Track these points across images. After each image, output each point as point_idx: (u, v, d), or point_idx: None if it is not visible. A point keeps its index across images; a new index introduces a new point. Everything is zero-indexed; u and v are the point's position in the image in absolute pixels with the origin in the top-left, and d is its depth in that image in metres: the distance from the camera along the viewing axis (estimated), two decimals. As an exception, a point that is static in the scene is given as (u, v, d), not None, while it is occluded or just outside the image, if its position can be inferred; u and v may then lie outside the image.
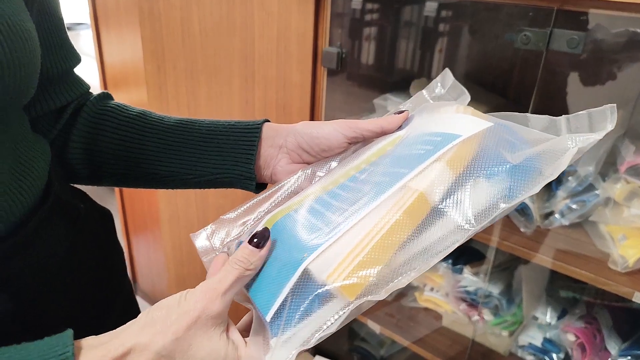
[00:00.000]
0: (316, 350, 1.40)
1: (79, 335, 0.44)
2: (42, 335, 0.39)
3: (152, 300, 1.89)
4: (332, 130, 0.47)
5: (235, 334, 0.36)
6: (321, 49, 1.04)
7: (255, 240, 0.37)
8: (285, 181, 0.48)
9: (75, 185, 0.52)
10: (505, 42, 0.99)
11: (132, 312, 0.57)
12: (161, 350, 0.33)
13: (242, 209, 0.47)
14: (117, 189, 1.82)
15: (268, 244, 0.37)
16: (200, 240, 0.45)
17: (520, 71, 1.08)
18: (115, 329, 0.50)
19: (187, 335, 0.33)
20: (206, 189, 0.55)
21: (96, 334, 0.46)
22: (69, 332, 0.32)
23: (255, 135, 0.50)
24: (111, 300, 0.52)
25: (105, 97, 0.55)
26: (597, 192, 0.90)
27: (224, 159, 0.51)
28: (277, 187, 0.48)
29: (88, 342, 0.33)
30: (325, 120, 1.13)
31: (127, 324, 0.34)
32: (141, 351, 0.33)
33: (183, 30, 1.14)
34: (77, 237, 0.45)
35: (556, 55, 0.78)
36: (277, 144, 0.50)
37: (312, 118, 1.13)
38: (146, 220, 1.60)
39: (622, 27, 0.82)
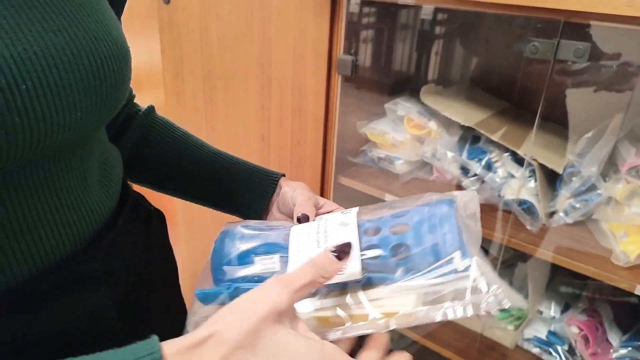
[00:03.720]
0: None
1: (153, 322, 0.49)
2: (134, 322, 0.44)
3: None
4: (294, 193, 0.55)
5: (308, 332, 0.35)
6: (336, 57, 1.09)
7: (336, 251, 0.38)
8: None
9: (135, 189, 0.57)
10: (515, 51, 1.04)
11: (184, 307, 0.62)
12: (234, 342, 0.31)
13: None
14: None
15: (347, 258, 0.38)
16: None
17: (528, 78, 1.13)
18: (175, 320, 0.55)
19: (257, 327, 0.32)
20: None
21: (164, 326, 0.51)
22: (155, 337, 0.32)
23: (272, 188, 0.58)
24: (173, 293, 0.57)
25: (152, 110, 0.61)
26: (599, 191, 0.96)
27: (241, 198, 0.59)
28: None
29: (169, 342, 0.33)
30: (338, 125, 1.18)
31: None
32: (218, 339, 0.32)
33: (202, 38, 1.18)
34: (149, 236, 0.50)
35: (563, 64, 0.84)
36: (275, 197, 0.59)
37: (326, 123, 1.18)
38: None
39: (625, 37, 0.87)
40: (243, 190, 0.59)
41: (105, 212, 0.43)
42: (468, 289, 0.38)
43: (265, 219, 0.60)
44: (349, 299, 0.40)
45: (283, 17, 1.07)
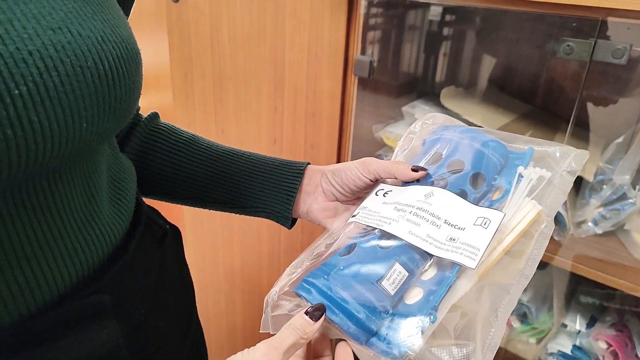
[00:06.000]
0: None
1: (165, 354, 0.44)
2: (140, 355, 0.39)
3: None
4: (355, 172, 0.50)
5: None
6: (352, 58, 1.04)
7: (310, 312, 0.38)
8: (338, 229, 0.50)
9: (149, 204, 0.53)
10: (541, 52, 0.99)
11: (201, 334, 0.57)
12: None
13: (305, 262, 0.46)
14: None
15: (322, 318, 0.38)
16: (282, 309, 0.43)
17: (553, 80, 1.08)
18: (192, 350, 0.50)
19: None
20: None
21: (177, 354, 0.46)
22: None
23: (298, 179, 0.53)
24: (189, 320, 0.52)
25: (155, 116, 0.56)
26: (631, 200, 0.91)
27: (265, 195, 0.54)
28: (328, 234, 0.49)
29: None
30: (354, 128, 1.13)
31: None
32: None
33: (212, 38, 1.14)
34: (163, 257, 0.45)
35: (599, 65, 0.79)
36: (314, 182, 0.53)
37: (341, 126, 1.13)
38: (166, 226, 1.60)
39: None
40: (266, 187, 0.53)
41: (117, 234, 0.38)
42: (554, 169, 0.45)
43: (296, 216, 0.55)
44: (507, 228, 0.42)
45: (298, 15, 1.02)
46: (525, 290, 1.13)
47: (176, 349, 0.47)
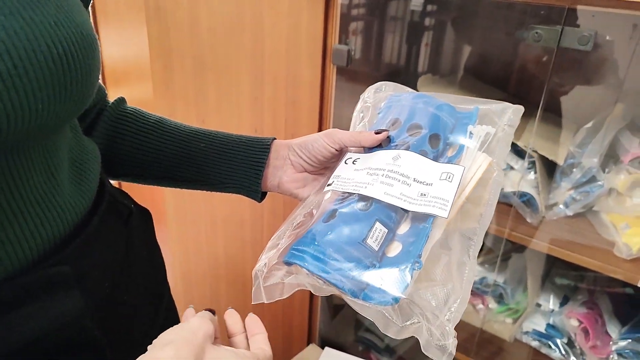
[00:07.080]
0: (324, 341, 1.43)
1: (136, 330, 0.46)
2: (115, 331, 0.40)
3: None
4: (321, 143, 0.53)
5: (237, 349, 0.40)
6: (331, 47, 1.06)
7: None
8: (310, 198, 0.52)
9: (118, 186, 0.54)
10: (513, 39, 1.02)
11: (174, 312, 0.59)
12: None
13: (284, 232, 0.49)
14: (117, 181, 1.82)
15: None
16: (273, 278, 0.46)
17: (525, 68, 1.11)
18: (163, 327, 0.52)
19: (202, 348, 0.35)
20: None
21: (150, 334, 0.48)
22: None
23: (265, 153, 0.55)
24: (160, 298, 0.53)
25: (122, 101, 0.57)
26: (600, 182, 0.94)
27: (234, 171, 0.55)
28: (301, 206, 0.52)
29: None
30: (334, 117, 1.15)
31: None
32: None
33: (191, 28, 1.14)
34: (130, 236, 0.47)
35: (566, 52, 0.82)
36: (282, 156, 0.55)
37: (321, 114, 1.15)
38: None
39: (630, 25, 0.85)
40: (234, 164, 0.55)
41: (79, 211, 0.39)
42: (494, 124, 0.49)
43: (266, 189, 0.57)
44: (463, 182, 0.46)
45: (276, 5, 1.03)
46: (501, 272, 1.17)
47: (146, 325, 0.48)
